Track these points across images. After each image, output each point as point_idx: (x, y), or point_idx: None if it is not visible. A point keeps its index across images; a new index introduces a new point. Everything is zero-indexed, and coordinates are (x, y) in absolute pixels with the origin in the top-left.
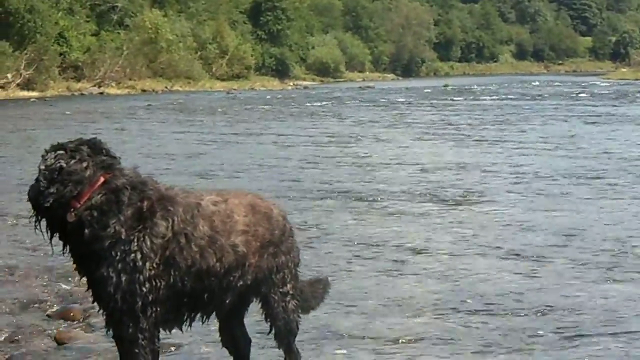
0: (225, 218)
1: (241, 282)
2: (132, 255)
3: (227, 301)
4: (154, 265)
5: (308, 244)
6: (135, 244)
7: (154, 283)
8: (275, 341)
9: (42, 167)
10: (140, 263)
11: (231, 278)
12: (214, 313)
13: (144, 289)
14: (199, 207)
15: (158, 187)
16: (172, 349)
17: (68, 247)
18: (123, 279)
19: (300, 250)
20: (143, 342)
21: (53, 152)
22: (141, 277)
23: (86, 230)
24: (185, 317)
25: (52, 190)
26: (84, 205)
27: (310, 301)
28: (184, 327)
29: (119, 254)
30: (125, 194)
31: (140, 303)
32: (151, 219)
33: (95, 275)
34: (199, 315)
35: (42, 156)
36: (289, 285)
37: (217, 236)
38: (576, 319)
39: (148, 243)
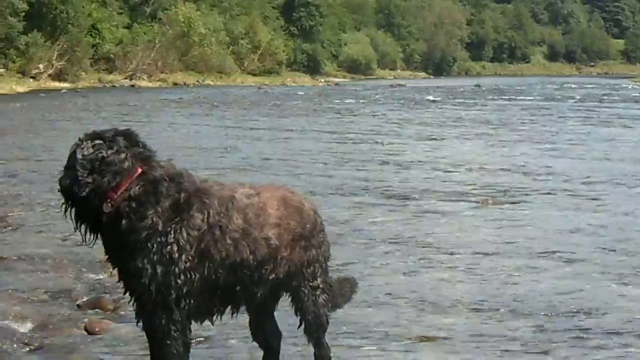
0: (259, 211)
1: (273, 275)
2: (169, 247)
3: (259, 294)
4: (190, 257)
5: (337, 240)
6: (172, 235)
7: (188, 275)
8: (305, 335)
9: (79, 156)
10: (177, 255)
11: (263, 271)
12: (244, 306)
13: (178, 281)
14: (233, 199)
15: (193, 179)
16: (202, 341)
17: (98, 238)
18: (159, 270)
19: (331, 246)
20: (175, 334)
21: (90, 141)
22: (176, 269)
23: (123, 221)
24: (217, 309)
25: (89, 180)
26: (122, 197)
27: (337, 299)
28: (214, 320)
29: (155, 245)
30: (164, 185)
31: (174, 295)
32: (188, 211)
33: (129, 267)
34: (229, 307)
35: (78, 144)
36: (319, 279)
37: (251, 229)
38: (604, 320)
39: (185, 235)
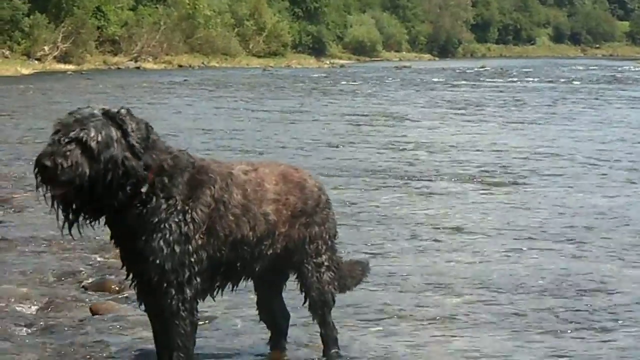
0: (256, 187)
1: (271, 251)
2: (187, 225)
3: (257, 269)
4: (201, 235)
5: (344, 221)
6: (189, 214)
7: (200, 253)
8: (310, 312)
9: (136, 141)
10: (192, 233)
11: (262, 247)
12: (245, 281)
13: (192, 260)
14: (231, 175)
15: (194, 157)
16: (206, 322)
17: (103, 219)
18: (177, 249)
19: (338, 227)
20: (184, 314)
21: (133, 120)
22: (191, 248)
23: (153, 201)
24: (218, 286)
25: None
26: (153, 177)
27: (346, 280)
28: (215, 295)
29: (173, 224)
30: (183, 163)
31: (188, 274)
32: (200, 188)
33: (143, 247)
34: (229, 284)
35: (122, 119)
36: (324, 257)
37: (250, 205)
38: (613, 301)
39: (199, 213)
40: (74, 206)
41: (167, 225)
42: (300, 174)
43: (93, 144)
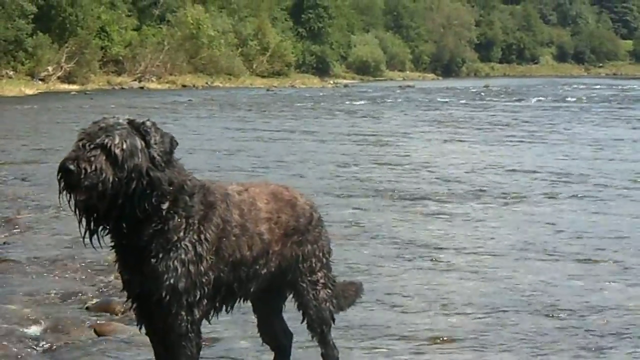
0: (250, 206)
1: (265, 270)
2: (201, 246)
3: (252, 289)
4: (212, 255)
5: (348, 241)
6: (203, 234)
7: (209, 274)
8: (308, 331)
9: (159, 152)
10: (205, 254)
11: (257, 267)
12: (239, 302)
13: (203, 280)
14: (228, 196)
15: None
16: (211, 342)
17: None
18: (192, 270)
19: (341, 247)
20: (191, 335)
21: (158, 132)
22: (203, 269)
23: (176, 218)
24: (217, 307)
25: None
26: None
27: (340, 300)
28: (210, 318)
29: (189, 244)
30: (196, 180)
31: (198, 295)
32: (211, 209)
33: (156, 266)
34: (224, 305)
35: (146, 130)
36: (319, 274)
37: (247, 224)
38: (620, 320)
39: (210, 233)
40: (95, 215)
41: (184, 244)
42: (290, 192)
43: (117, 151)
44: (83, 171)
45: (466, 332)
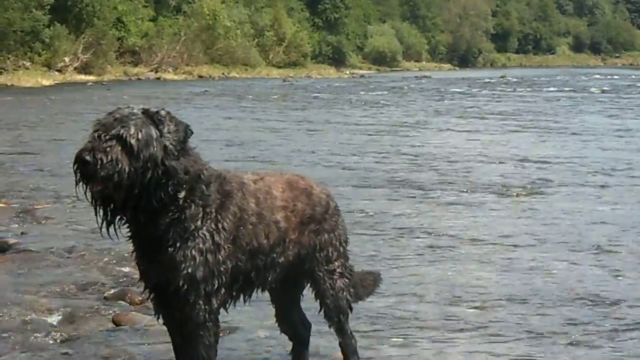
0: (266, 195)
1: (282, 259)
2: (218, 235)
3: (269, 278)
4: (229, 244)
5: (363, 231)
6: (221, 223)
7: (227, 263)
8: (326, 321)
9: (170, 142)
10: (223, 242)
11: (274, 255)
12: (257, 292)
13: (221, 269)
14: (244, 185)
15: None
16: (228, 333)
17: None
18: (210, 258)
19: (358, 237)
20: (209, 325)
21: (172, 121)
22: (221, 258)
23: (192, 208)
24: (235, 297)
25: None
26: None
27: (358, 289)
28: (228, 307)
29: (207, 233)
30: (212, 169)
31: (216, 284)
32: (228, 198)
33: (174, 255)
34: (242, 295)
35: (160, 119)
36: (336, 263)
37: (264, 212)
38: (635, 311)
39: (228, 222)
40: (112, 205)
41: (202, 233)
42: (306, 181)
43: (133, 141)
44: (99, 162)
45: (482, 322)
